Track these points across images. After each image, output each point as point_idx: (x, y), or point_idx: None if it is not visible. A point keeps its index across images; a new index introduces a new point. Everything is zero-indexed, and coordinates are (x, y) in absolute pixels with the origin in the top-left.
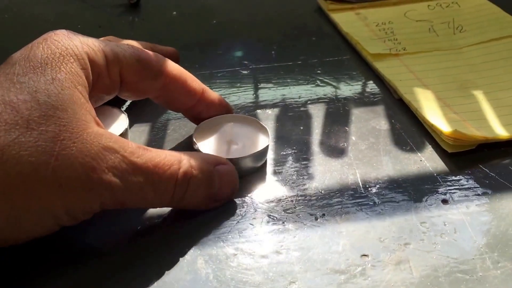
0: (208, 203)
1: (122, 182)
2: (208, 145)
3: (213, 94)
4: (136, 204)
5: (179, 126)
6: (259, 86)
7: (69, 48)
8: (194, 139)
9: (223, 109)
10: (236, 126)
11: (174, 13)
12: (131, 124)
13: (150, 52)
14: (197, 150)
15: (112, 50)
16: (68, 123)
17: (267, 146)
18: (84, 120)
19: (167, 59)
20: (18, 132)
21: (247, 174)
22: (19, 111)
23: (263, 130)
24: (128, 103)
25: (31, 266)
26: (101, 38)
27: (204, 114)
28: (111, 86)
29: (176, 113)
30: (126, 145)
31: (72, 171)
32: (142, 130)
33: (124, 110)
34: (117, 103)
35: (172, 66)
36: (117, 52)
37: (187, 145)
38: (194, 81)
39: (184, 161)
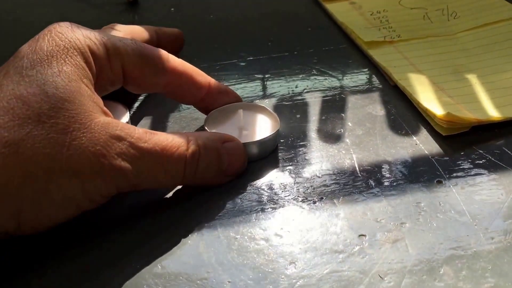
0: (220, 179)
1: (132, 166)
2: (220, 132)
3: (221, 85)
4: (150, 185)
5: (179, 118)
6: (257, 77)
7: (72, 41)
8: (206, 127)
9: (233, 99)
10: (246, 113)
11: (172, 9)
12: (132, 117)
13: (155, 48)
14: None
15: (113, 44)
16: (77, 114)
17: (277, 131)
18: (91, 110)
19: (171, 55)
20: (31, 126)
21: (258, 159)
22: (30, 104)
23: (273, 116)
24: (137, 104)
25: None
26: (106, 26)
27: (215, 105)
28: (113, 79)
29: (175, 106)
30: (132, 131)
31: (85, 159)
32: (143, 124)
33: (125, 104)
34: (124, 97)
35: (176, 62)
36: (119, 46)
37: None
38: (199, 75)
39: (191, 141)
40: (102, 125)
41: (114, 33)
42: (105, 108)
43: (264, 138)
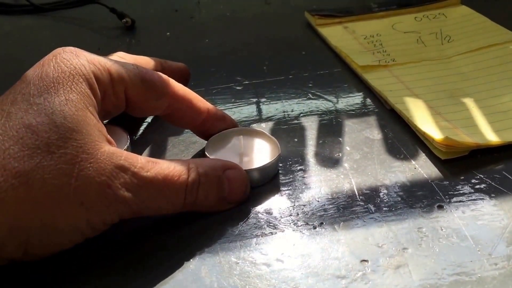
0: (221, 206)
1: (134, 196)
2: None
3: (218, 111)
4: (151, 213)
5: (177, 142)
6: (253, 101)
7: (77, 67)
8: (206, 153)
9: (230, 125)
10: (245, 138)
11: (168, 33)
12: (135, 141)
13: (156, 73)
14: None
15: (117, 70)
16: (84, 144)
17: (278, 156)
18: (97, 140)
19: (171, 80)
20: (40, 157)
21: (260, 184)
22: (39, 134)
23: (272, 141)
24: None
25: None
26: (113, 54)
27: (212, 130)
28: (116, 104)
29: (174, 130)
30: (135, 160)
31: (91, 189)
32: (142, 147)
33: (124, 128)
34: (127, 122)
35: (177, 87)
36: (122, 72)
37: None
38: (199, 101)
39: (192, 169)
40: (107, 155)
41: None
42: (108, 136)
43: (266, 164)
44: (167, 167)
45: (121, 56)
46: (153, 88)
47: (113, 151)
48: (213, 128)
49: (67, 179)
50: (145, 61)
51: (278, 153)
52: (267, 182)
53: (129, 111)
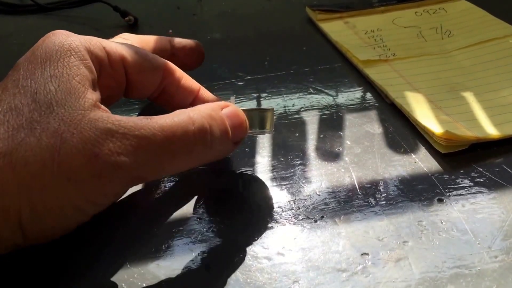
0: (227, 149)
1: (130, 159)
2: None
3: (209, 93)
4: (157, 174)
5: None
6: (254, 96)
7: (66, 44)
8: None
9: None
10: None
11: (170, 31)
12: None
13: (143, 49)
14: None
15: (111, 45)
16: (66, 116)
17: (272, 109)
18: (82, 109)
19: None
20: (23, 134)
21: (259, 134)
22: (23, 114)
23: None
24: None
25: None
26: (117, 36)
27: None
28: (116, 76)
29: None
30: (125, 121)
31: (75, 161)
32: None
33: None
34: None
35: (170, 62)
36: (116, 45)
37: None
38: (191, 79)
39: (195, 115)
40: (91, 121)
41: (124, 42)
42: (99, 103)
43: (260, 108)
44: (164, 121)
45: (125, 38)
46: (147, 58)
47: (99, 116)
48: None
49: (50, 154)
50: (151, 40)
51: (272, 107)
52: (263, 133)
53: (128, 90)
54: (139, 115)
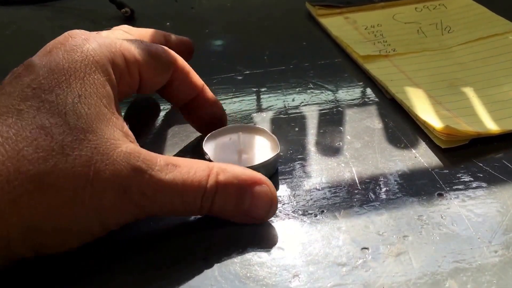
0: (242, 219)
1: (150, 199)
2: (218, 155)
3: (210, 92)
4: (166, 214)
5: (178, 131)
6: (254, 91)
7: (89, 55)
8: (205, 150)
9: (218, 109)
10: (245, 135)
11: (168, 24)
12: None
13: (159, 46)
14: (209, 161)
15: (129, 51)
16: (99, 145)
17: (278, 154)
18: (113, 138)
19: (171, 50)
20: (55, 159)
21: None
22: (53, 136)
23: (272, 138)
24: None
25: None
26: (115, 27)
27: (200, 110)
28: (131, 84)
29: (175, 120)
30: (154, 162)
31: (107, 195)
32: (142, 136)
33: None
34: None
35: (179, 57)
36: (135, 52)
37: (191, 149)
38: (196, 75)
39: (212, 176)
40: (124, 155)
41: (125, 35)
42: (126, 128)
43: (264, 162)
44: (186, 172)
45: (125, 31)
46: (160, 60)
47: (130, 150)
48: (201, 109)
49: (83, 183)
50: (150, 34)
51: (277, 152)
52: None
53: (140, 90)
54: (128, 109)
